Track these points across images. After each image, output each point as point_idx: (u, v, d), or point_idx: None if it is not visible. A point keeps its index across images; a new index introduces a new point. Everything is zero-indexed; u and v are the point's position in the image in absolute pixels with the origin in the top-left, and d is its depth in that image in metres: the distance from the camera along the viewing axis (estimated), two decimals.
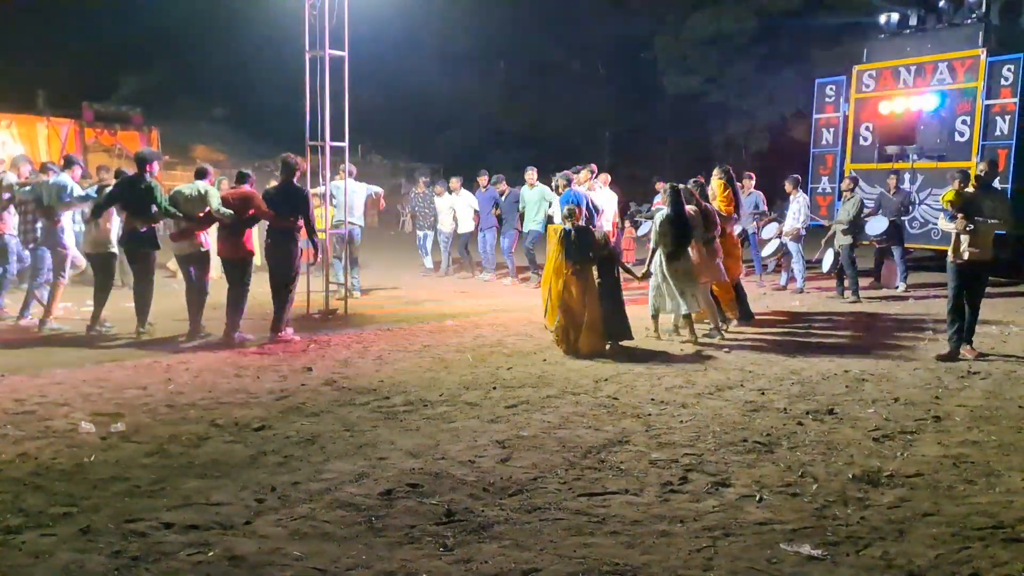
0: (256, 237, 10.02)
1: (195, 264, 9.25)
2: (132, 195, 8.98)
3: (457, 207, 15.35)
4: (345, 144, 10.82)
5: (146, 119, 19.30)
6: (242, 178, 9.30)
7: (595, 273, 9.00)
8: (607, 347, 8.86)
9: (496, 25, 34.00)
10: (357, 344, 9.10)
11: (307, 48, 10.55)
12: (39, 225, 9.69)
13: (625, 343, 9.02)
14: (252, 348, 8.78)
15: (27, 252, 10.28)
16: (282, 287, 9.22)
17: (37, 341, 9.02)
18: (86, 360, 8.06)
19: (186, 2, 27.11)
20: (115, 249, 9.52)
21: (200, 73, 30.00)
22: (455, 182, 15.48)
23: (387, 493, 4.72)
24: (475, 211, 15.21)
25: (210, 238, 9.41)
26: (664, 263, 9.22)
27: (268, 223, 9.46)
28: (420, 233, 16.10)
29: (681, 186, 9.42)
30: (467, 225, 15.41)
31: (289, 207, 9.11)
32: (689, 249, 9.25)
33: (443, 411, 6.45)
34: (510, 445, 5.62)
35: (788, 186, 13.51)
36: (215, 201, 8.95)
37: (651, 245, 9.57)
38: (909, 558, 3.99)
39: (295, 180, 9.34)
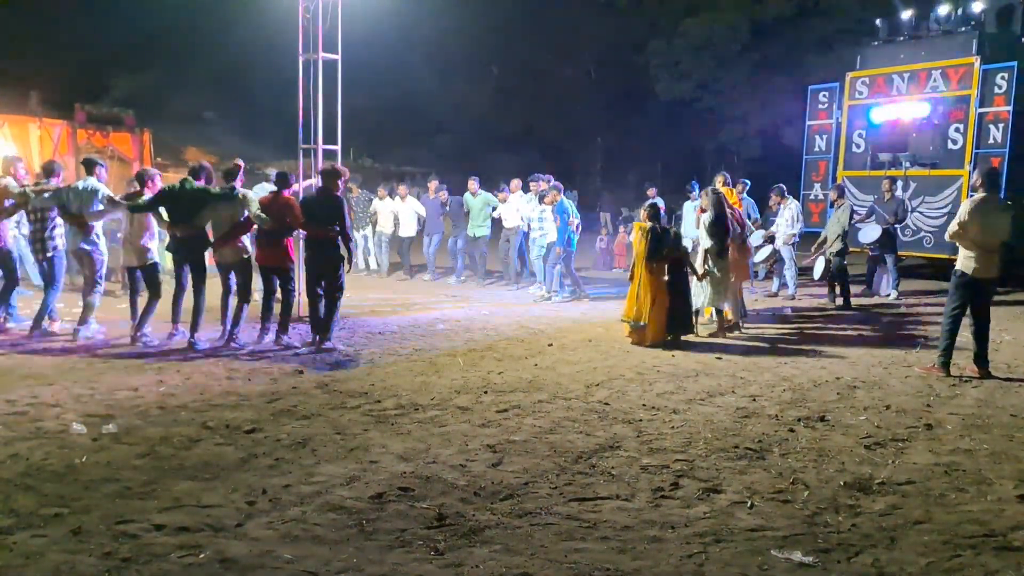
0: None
1: (237, 271, 9.02)
2: (181, 200, 8.76)
3: (400, 212, 15.75)
4: (338, 148, 10.82)
5: (138, 121, 19.21)
6: (283, 179, 8.93)
7: (666, 271, 9.64)
8: (668, 338, 9.56)
9: (489, 29, 34.04)
10: (348, 347, 9.08)
11: (300, 51, 10.55)
12: (56, 233, 9.13)
13: (685, 337, 9.80)
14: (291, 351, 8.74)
15: (21, 260, 10.11)
16: (330, 295, 8.93)
17: (32, 343, 8.95)
18: (78, 362, 8.03)
19: (179, 4, 27.04)
20: (157, 258, 9.22)
21: (193, 75, 29.89)
22: (402, 189, 16.12)
23: (378, 496, 4.72)
24: (420, 216, 15.74)
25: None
26: (710, 262, 9.86)
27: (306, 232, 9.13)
28: (356, 235, 16.21)
29: (720, 190, 10.22)
30: (408, 230, 15.84)
31: (328, 216, 8.74)
32: (729, 249, 10.01)
33: (434, 415, 6.45)
34: (501, 450, 5.62)
35: (775, 196, 13.50)
36: (254, 206, 8.72)
37: (700, 247, 10.19)
38: (900, 566, 4.00)
39: (338, 190, 8.92)
